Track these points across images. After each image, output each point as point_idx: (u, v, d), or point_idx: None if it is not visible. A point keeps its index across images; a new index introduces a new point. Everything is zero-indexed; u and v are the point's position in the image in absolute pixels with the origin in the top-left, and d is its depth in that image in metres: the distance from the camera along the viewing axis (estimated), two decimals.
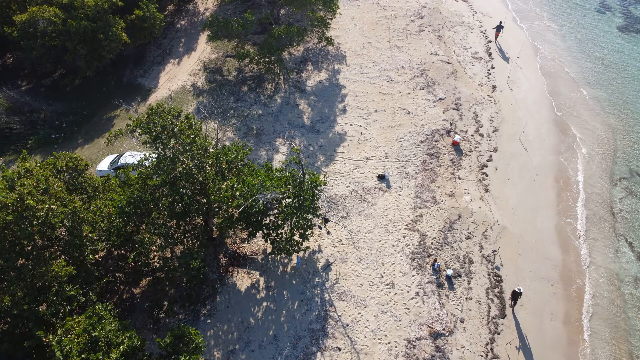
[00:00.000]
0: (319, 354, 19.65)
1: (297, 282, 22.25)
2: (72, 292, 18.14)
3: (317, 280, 22.31)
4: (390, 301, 21.63)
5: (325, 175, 25.19)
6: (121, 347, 16.12)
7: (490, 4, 43.25)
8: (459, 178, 27.41)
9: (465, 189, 26.72)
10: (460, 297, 21.98)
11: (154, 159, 21.81)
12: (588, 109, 32.68)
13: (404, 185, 26.57)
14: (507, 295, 22.26)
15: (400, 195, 26.01)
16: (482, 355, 20.22)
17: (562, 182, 27.83)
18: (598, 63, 36.51)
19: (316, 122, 30.71)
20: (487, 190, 26.93)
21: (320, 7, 35.07)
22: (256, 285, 22.19)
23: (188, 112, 24.50)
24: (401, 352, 20.00)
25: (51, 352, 16.59)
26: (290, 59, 35.73)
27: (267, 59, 32.65)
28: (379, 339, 20.45)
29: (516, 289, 21.31)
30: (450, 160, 28.45)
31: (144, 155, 23.04)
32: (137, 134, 22.77)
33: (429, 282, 22.34)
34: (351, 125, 30.47)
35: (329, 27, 35.43)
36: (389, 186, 26.53)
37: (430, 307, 21.43)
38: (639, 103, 32.93)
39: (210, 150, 24.70)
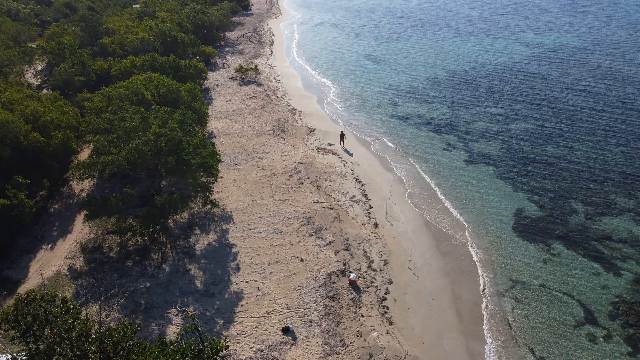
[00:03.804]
0: None
1: None
2: None
3: None
4: None
5: (226, 339, 23.54)
6: None
7: (358, 153, 48.26)
8: (363, 316, 27.38)
9: (371, 326, 26.61)
10: None
11: None
12: (459, 234, 35.87)
13: (310, 334, 25.68)
14: None
15: (308, 345, 24.94)
16: None
17: (457, 302, 29.10)
18: (459, 191, 41.35)
19: (210, 285, 29.59)
20: (391, 323, 27.07)
21: (201, 174, 36.16)
22: None
23: (65, 296, 22.22)
24: None
25: None
26: (176, 226, 35.35)
27: (151, 229, 31.91)
28: None
29: None
30: (351, 299, 28.60)
31: (8, 358, 19.95)
32: (1, 331, 19.98)
33: None
34: (247, 282, 29.82)
35: (213, 191, 36.34)
36: (295, 338, 25.43)
37: None
38: (495, 220, 37.21)
39: (93, 335, 22.20)
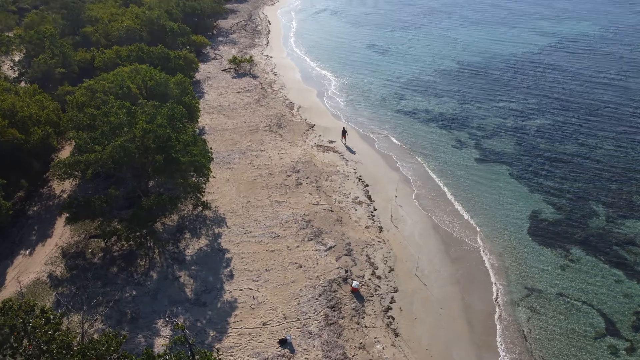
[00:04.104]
0: None
1: None
2: None
3: None
4: None
5: (218, 352, 23.59)
6: None
7: (361, 151, 48.28)
8: (366, 327, 27.47)
9: (375, 338, 26.67)
10: None
11: None
12: (470, 238, 35.90)
13: (310, 347, 25.73)
14: None
15: (307, 358, 24.99)
16: None
17: (468, 312, 29.19)
18: (470, 192, 41.33)
19: (201, 294, 29.67)
20: (397, 335, 27.13)
21: (192, 173, 36.16)
22: None
23: (45, 306, 22.25)
24: None
25: None
26: (165, 230, 35.37)
27: (137, 234, 31.93)
28: None
29: None
30: (353, 309, 28.67)
31: None
32: None
33: None
34: (241, 290, 29.92)
35: (204, 192, 36.37)
36: (292, 351, 25.49)
37: None
38: (509, 223, 37.30)
39: (75, 347, 22.27)
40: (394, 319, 28.37)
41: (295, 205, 38.49)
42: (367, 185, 42.23)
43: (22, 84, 53.81)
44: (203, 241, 34.53)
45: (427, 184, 42.75)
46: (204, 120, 53.12)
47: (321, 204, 38.64)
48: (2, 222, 33.89)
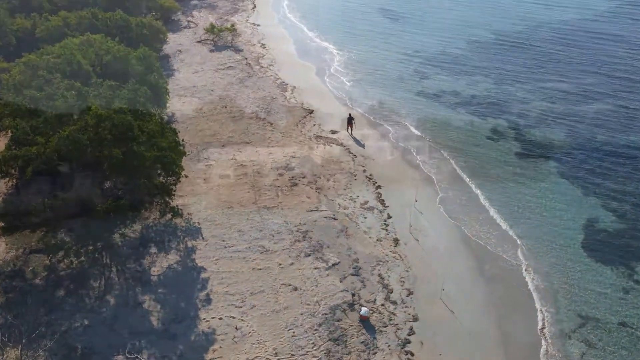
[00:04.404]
0: None
1: None
2: None
3: None
4: None
5: None
6: None
7: (371, 144, 48.65)
8: None
9: None
10: None
11: None
12: (509, 253, 36.17)
13: None
14: None
15: None
16: None
17: (507, 345, 29.39)
18: (509, 195, 41.52)
19: (170, 323, 29.79)
20: None
21: (159, 172, 36.31)
22: None
23: None
24: None
25: None
26: (125, 243, 35.51)
27: (90, 248, 32.04)
28: None
29: None
30: (362, 342, 28.77)
31: None
32: None
33: None
34: (221, 318, 30.05)
35: (174, 195, 36.51)
36: None
37: None
38: (559, 235, 37.50)
39: None
40: (413, 354, 28.43)
41: (289, 212, 38.68)
42: (379, 186, 42.46)
43: None
44: (173, 257, 34.66)
45: (454, 185, 43.02)
46: (175, 104, 53.29)
47: (321, 210, 38.86)
48: None
